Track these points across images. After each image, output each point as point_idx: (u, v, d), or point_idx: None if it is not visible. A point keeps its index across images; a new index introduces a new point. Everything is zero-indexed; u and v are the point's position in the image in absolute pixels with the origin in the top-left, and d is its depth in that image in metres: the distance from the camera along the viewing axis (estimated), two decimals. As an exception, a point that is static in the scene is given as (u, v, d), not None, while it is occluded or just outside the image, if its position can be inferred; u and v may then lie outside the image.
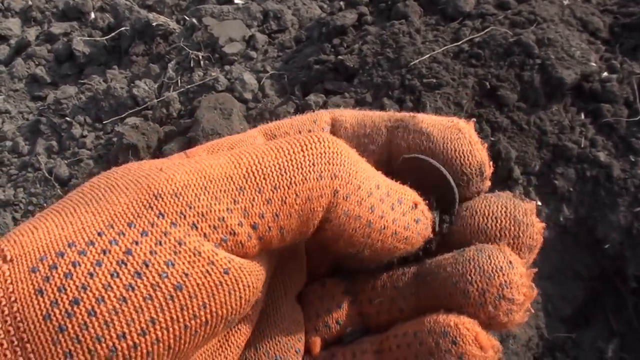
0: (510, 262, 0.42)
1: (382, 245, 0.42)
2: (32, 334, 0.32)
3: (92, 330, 0.32)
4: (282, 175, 0.37)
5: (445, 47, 2.03)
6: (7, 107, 2.82)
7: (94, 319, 0.32)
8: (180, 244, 0.34)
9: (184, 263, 0.34)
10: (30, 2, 3.19)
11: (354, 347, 0.48)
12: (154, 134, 2.22)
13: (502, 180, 1.87)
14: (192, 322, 0.34)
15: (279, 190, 0.37)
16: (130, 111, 2.47)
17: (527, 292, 0.42)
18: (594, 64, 1.93)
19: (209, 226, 0.35)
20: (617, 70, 1.96)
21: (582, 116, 1.91)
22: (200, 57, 2.47)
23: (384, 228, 0.41)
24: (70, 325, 0.32)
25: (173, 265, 0.34)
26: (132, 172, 0.39)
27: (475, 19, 2.13)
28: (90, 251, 0.33)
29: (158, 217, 0.35)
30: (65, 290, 0.32)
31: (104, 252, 0.33)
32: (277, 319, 0.48)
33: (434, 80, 1.93)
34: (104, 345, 0.32)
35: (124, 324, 0.32)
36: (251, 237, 0.37)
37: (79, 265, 0.33)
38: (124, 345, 0.32)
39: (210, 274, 0.35)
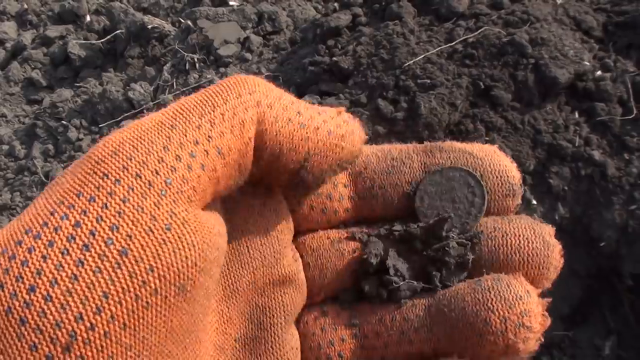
0: (528, 291, 0.44)
1: (324, 146, 0.43)
2: None
3: (50, 317, 0.31)
4: (206, 103, 0.38)
5: (439, 48, 2.03)
6: (4, 110, 2.82)
7: (50, 304, 0.31)
8: (124, 201, 0.34)
9: (127, 224, 0.33)
10: (25, 6, 3.20)
11: None
12: (149, 137, 2.22)
13: (497, 180, 1.87)
14: (142, 290, 0.33)
15: (206, 116, 0.38)
16: (126, 114, 2.47)
17: (542, 321, 0.44)
18: (587, 63, 1.93)
19: (151, 172, 0.35)
20: (611, 68, 1.96)
21: (577, 115, 1.91)
22: (196, 59, 2.47)
23: (318, 128, 0.42)
24: (30, 316, 0.31)
25: (117, 228, 0.33)
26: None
27: (468, 19, 2.14)
28: (44, 232, 0.32)
29: (103, 179, 0.34)
30: (22, 278, 0.31)
31: (56, 230, 0.33)
32: (275, 345, 0.47)
33: (428, 81, 1.93)
34: (63, 330, 0.31)
35: (79, 303, 0.31)
36: (192, 168, 0.36)
37: (34, 250, 0.32)
38: (82, 327, 0.31)
39: (152, 232, 0.33)
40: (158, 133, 0.36)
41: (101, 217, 0.33)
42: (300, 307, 0.50)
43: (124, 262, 0.33)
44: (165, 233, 0.34)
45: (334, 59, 2.16)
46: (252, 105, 0.40)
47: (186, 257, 0.35)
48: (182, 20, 2.67)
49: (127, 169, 0.35)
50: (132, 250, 0.33)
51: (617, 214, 1.76)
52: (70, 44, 2.87)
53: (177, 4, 2.89)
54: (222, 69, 2.40)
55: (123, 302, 0.32)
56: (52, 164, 2.51)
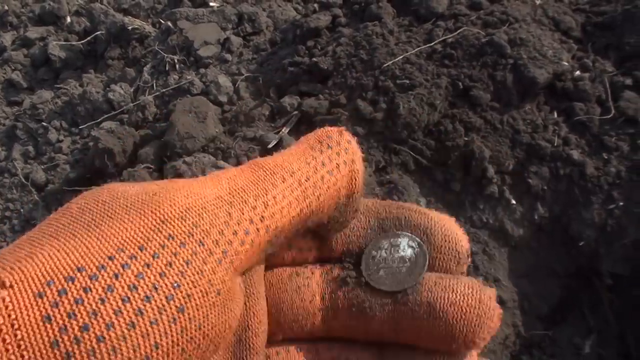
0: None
1: (361, 174, 0.48)
2: None
3: (98, 356, 0.32)
4: (259, 185, 0.42)
5: (419, 48, 2.03)
6: (-17, 112, 2.81)
7: (102, 344, 0.32)
8: (187, 263, 0.35)
9: (188, 284, 0.35)
10: (6, 7, 3.17)
11: None
12: (129, 138, 2.22)
13: (476, 180, 1.87)
14: (188, 345, 0.35)
15: (260, 198, 0.41)
16: (106, 115, 2.46)
17: None
18: (566, 63, 1.94)
19: (212, 241, 0.37)
20: (590, 68, 1.97)
21: (555, 115, 1.92)
22: (176, 60, 2.47)
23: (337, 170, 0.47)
24: (77, 352, 0.31)
25: (179, 286, 0.35)
26: (123, 198, 0.39)
27: (447, 20, 2.14)
28: (102, 275, 0.33)
29: (168, 239, 0.36)
30: (76, 316, 0.32)
31: (116, 277, 0.33)
32: None
33: (407, 81, 1.93)
34: None
35: (131, 350, 0.32)
36: (244, 243, 0.39)
37: (91, 290, 0.32)
38: None
39: (207, 294, 0.36)
40: (219, 208, 0.40)
41: (164, 273, 0.35)
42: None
43: (179, 318, 0.35)
44: (216, 297, 0.37)
45: (314, 59, 2.16)
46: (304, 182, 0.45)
47: (225, 321, 0.38)
48: (163, 21, 2.66)
49: (192, 235, 0.37)
50: (188, 309, 0.35)
51: (596, 214, 1.77)
52: (51, 46, 2.86)
53: (157, 5, 2.88)
54: (202, 70, 2.40)
55: (170, 354, 0.34)
56: (32, 166, 2.49)
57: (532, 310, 1.85)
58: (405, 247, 0.50)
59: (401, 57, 2.00)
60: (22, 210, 2.41)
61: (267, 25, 2.55)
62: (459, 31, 2.04)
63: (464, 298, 0.48)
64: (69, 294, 0.32)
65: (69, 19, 3.00)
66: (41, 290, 0.32)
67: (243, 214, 0.40)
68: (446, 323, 0.47)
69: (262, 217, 0.41)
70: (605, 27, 2.09)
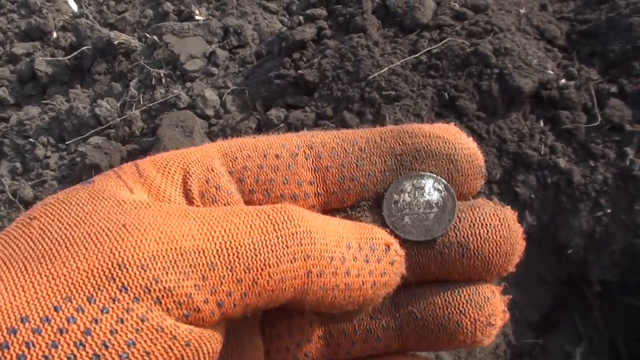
0: (493, 291, 0.46)
1: (364, 299, 0.42)
2: None
3: None
4: (256, 257, 0.36)
5: (404, 59, 2.03)
6: (-30, 129, 2.80)
7: None
8: (142, 320, 0.32)
9: (145, 341, 0.32)
10: (-9, 23, 3.17)
11: None
12: (116, 153, 2.21)
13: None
14: None
15: (251, 272, 0.36)
16: (93, 130, 2.46)
17: (502, 317, 0.47)
18: (551, 72, 1.94)
19: (174, 302, 0.33)
20: (575, 76, 1.97)
21: (541, 123, 1.92)
22: (162, 74, 2.46)
23: (363, 284, 0.41)
24: None
25: (134, 344, 0.32)
26: (90, 218, 0.36)
27: (432, 31, 2.14)
28: (46, 330, 0.30)
29: (121, 292, 0.32)
30: None
31: (61, 332, 0.30)
32: (236, 351, 0.45)
33: (393, 93, 1.93)
34: None
35: None
36: (214, 314, 0.35)
37: (33, 346, 0.30)
38: None
39: (172, 349, 0.33)
40: (195, 265, 0.35)
41: (116, 330, 0.32)
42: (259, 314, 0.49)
43: None
44: (185, 349, 0.33)
45: (300, 72, 2.16)
46: (302, 275, 0.38)
47: None
48: (148, 36, 2.66)
49: (150, 291, 0.33)
50: None
51: (584, 221, 1.77)
52: (37, 61, 2.85)
53: (143, 19, 2.88)
54: (188, 84, 2.40)
55: None
56: (19, 182, 2.49)
57: (522, 318, 1.85)
58: (431, 189, 0.46)
59: (387, 68, 2.00)
60: (10, 227, 2.40)
61: (252, 38, 2.56)
62: (443, 42, 2.04)
63: (495, 230, 0.45)
64: (11, 348, 0.29)
65: (55, 34, 3.00)
66: None
67: (222, 283, 0.35)
68: (482, 260, 0.45)
69: (245, 293, 0.36)
70: (589, 35, 2.10)
